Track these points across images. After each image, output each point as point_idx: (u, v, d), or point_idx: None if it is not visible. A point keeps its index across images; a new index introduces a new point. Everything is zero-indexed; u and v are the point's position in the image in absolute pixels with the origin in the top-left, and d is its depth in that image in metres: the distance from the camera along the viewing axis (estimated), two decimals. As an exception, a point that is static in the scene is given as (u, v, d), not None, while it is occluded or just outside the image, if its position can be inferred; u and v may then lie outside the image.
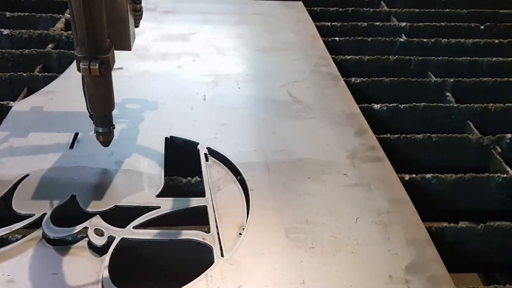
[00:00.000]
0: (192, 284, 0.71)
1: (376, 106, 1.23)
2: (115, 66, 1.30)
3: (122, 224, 0.81)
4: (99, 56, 0.80)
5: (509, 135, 1.14)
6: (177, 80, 1.27)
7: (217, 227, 0.81)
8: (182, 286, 0.70)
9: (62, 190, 0.87)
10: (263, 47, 1.48)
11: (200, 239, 0.79)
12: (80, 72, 0.81)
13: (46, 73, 1.29)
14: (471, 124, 1.23)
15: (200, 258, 0.78)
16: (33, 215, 0.81)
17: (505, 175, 1.01)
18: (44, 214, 0.81)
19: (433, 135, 1.13)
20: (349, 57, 1.48)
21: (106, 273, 0.72)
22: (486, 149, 1.14)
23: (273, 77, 1.31)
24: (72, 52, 1.40)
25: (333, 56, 1.46)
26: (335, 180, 0.93)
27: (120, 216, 0.83)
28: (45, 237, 0.78)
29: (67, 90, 1.18)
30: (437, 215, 0.99)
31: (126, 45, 0.94)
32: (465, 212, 1.02)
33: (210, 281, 0.71)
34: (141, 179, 0.91)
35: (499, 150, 1.13)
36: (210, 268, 0.74)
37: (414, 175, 0.99)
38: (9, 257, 0.75)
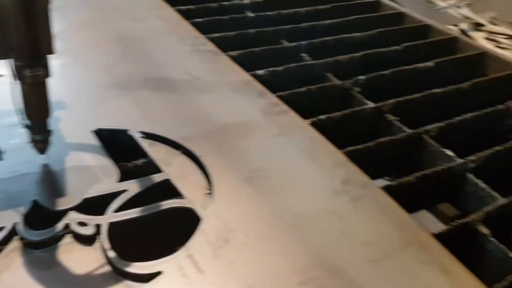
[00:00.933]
0: (192, 240, 0.80)
1: (260, 72, 1.42)
2: None
3: (97, 214, 0.84)
4: (41, 61, 0.80)
5: (362, 77, 1.44)
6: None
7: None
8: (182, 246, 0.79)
9: (18, 199, 0.85)
10: (137, 35, 1.53)
11: (180, 205, 0.87)
12: (25, 81, 0.80)
13: None
14: (330, 75, 1.51)
15: (186, 221, 0.87)
16: (4, 227, 0.79)
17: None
18: (15, 223, 0.80)
19: (311, 87, 1.36)
20: (216, 34, 1.63)
21: (111, 254, 0.77)
22: (349, 91, 1.42)
23: (164, 60, 1.39)
24: None
25: (204, 35, 1.59)
26: (262, 134, 1.09)
27: (91, 207, 0.86)
28: (27, 243, 0.78)
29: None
30: (340, 143, 1.22)
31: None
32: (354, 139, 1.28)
33: (207, 232, 0.82)
34: (93, 171, 0.94)
35: (359, 89, 1.42)
36: (200, 225, 0.83)
37: (313, 119, 1.20)
38: (1, 270, 0.73)
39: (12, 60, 0.83)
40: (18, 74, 0.80)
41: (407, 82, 1.48)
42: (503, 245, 0.86)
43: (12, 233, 0.78)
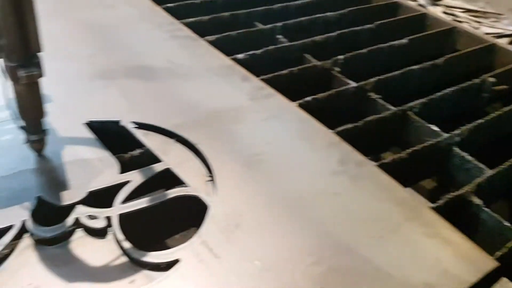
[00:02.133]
0: (203, 227, 0.82)
1: (240, 56, 1.43)
2: None
3: (103, 206, 0.85)
4: (34, 60, 0.78)
5: (341, 57, 1.47)
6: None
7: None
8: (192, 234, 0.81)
9: (21, 196, 0.84)
10: (111, 23, 1.49)
11: (186, 193, 0.89)
12: (19, 82, 0.78)
13: None
14: (308, 56, 1.54)
15: (192, 209, 0.88)
16: (13, 225, 0.78)
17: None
18: (24, 220, 0.79)
19: (293, 69, 1.39)
20: (191, 19, 1.62)
21: (127, 245, 0.78)
22: (329, 71, 1.45)
23: (143, 48, 1.37)
24: None
25: (179, 20, 1.58)
26: (253, 118, 1.11)
27: (97, 200, 0.86)
28: (39, 240, 0.77)
29: None
30: (326, 124, 1.25)
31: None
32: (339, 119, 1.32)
33: (217, 218, 0.84)
34: (93, 164, 0.93)
35: (338, 69, 1.46)
36: (209, 211, 0.85)
37: (300, 101, 1.23)
38: (17, 269, 0.72)
39: (2, 61, 0.81)
40: (12, 75, 0.78)
41: (383, 59, 1.53)
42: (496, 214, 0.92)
43: (22, 230, 0.77)
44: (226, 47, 1.51)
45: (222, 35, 1.54)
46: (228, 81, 1.26)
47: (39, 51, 0.79)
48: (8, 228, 0.77)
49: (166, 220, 0.89)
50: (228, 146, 1.02)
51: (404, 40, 1.55)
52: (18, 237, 0.77)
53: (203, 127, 1.07)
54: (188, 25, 1.58)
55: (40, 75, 0.80)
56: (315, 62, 1.49)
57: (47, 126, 0.91)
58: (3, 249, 0.75)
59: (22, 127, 0.88)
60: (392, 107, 1.23)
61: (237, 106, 1.15)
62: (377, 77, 1.35)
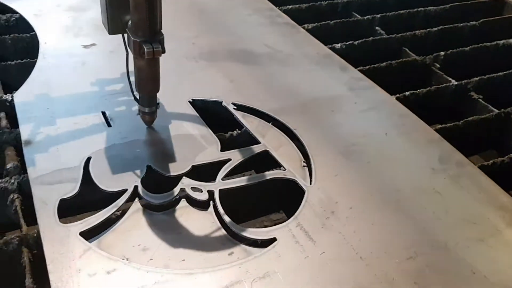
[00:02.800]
0: (300, 211, 0.84)
1: (337, 46, 1.42)
2: (88, 43, 1.30)
3: (206, 180, 0.89)
4: (158, 37, 0.83)
5: (442, 53, 1.42)
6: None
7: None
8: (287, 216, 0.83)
9: (133, 164, 0.90)
10: (213, 8, 1.54)
11: (283, 176, 0.91)
12: (141, 56, 0.84)
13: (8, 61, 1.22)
14: (406, 50, 1.50)
15: (288, 192, 0.91)
16: (126, 190, 0.84)
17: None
18: (136, 186, 0.85)
19: (392, 62, 1.36)
20: (290, 7, 1.63)
21: (227, 219, 0.81)
22: (428, 67, 1.41)
23: (243, 33, 1.41)
24: (27, 35, 1.33)
25: (278, 7, 1.60)
26: (352, 108, 1.11)
27: (199, 173, 0.91)
28: (148, 205, 0.83)
29: (54, 74, 1.14)
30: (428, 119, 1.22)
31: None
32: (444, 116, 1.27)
33: (313, 204, 0.85)
34: (196, 140, 0.98)
35: (438, 66, 1.41)
36: (305, 196, 0.87)
37: (398, 95, 1.21)
38: (128, 230, 0.78)
39: (127, 36, 0.87)
40: (137, 49, 0.84)
41: (487, 59, 1.46)
42: None
43: (134, 195, 0.84)
44: (323, 36, 1.51)
45: (320, 23, 1.54)
46: (326, 70, 1.26)
47: (160, 31, 0.85)
48: (121, 192, 0.84)
49: (260, 200, 0.92)
50: (326, 134, 1.03)
51: (512, 40, 1.47)
52: (129, 200, 0.83)
53: (300, 113, 1.09)
54: (287, 12, 1.60)
55: (163, 51, 0.85)
56: (414, 56, 1.45)
57: (158, 100, 0.96)
58: (116, 211, 0.81)
59: (136, 99, 0.95)
60: (495, 109, 1.18)
61: (335, 95, 1.16)
62: (480, 77, 1.29)
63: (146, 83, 0.90)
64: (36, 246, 0.75)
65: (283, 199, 0.93)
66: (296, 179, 0.90)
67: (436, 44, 1.52)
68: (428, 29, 1.55)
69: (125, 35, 0.88)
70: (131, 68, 0.90)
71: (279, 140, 1.01)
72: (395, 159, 0.97)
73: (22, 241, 0.75)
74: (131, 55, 0.88)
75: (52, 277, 0.68)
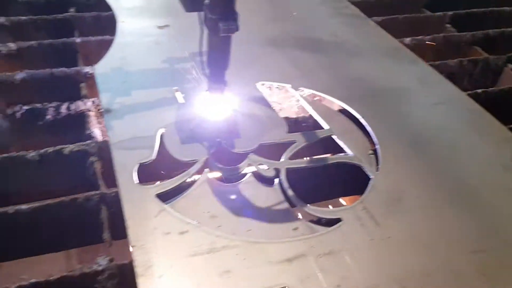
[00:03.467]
0: (366, 195, 0.84)
1: (407, 40, 1.40)
2: (161, 24, 1.34)
3: (271, 158, 0.91)
4: (233, 16, 0.86)
5: (515, 53, 1.37)
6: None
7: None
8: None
9: (203, 138, 0.93)
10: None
11: (349, 161, 0.91)
12: (218, 33, 0.86)
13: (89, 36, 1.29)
14: (478, 48, 1.46)
15: (352, 177, 0.91)
16: (197, 160, 0.88)
17: None
18: (206, 158, 0.88)
19: (463, 59, 1.33)
20: (359, -1, 1.62)
21: (293, 197, 0.83)
22: (500, 67, 1.37)
23: (310, 21, 1.41)
24: (106, 14, 1.39)
25: (346, -1, 1.59)
26: (422, 101, 1.10)
27: (265, 152, 0.92)
28: (217, 177, 0.86)
29: (130, 51, 1.20)
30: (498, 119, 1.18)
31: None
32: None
33: (379, 190, 0.85)
34: (263, 121, 1.00)
35: (511, 66, 1.36)
36: (371, 182, 0.87)
37: (469, 92, 1.18)
38: (198, 198, 0.82)
39: (203, 14, 0.89)
40: (212, 26, 0.86)
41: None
42: None
43: (204, 166, 0.87)
44: (391, 30, 1.50)
45: (389, 17, 1.52)
46: (395, 62, 1.25)
47: (234, 10, 0.87)
48: (193, 162, 0.87)
49: (324, 183, 0.93)
50: (394, 124, 1.02)
51: None
52: (200, 171, 0.86)
53: (368, 102, 1.08)
54: (355, 3, 1.59)
55: (236, 29, 0.87)
56: (486, 55, 1.41)
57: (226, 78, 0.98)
58: (188, 179, 0.84)
59: (207, 76, 0.97)
60: None
61: (404, 87, 1.15)
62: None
63: (217, 60, 0.92)
64: (113, 204, 0.79)
65: (346, 185, 0.93)
66: (361, 165, 0.91)
67: (509, 45, 1.48)
68: (502, 29, 1.50)
69: (201, 13, 0.91)
70: (204, 46, 0.93)
71: (345, 126, 1.02)
72: (464, 154, 0.95)
73: (101, 199, 0.80)
74: (205, 34, 0.91)
75: (130, 232, 0.72)
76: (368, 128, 1.00)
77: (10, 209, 0.77)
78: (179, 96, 1.04)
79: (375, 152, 0.94)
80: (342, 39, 1.34)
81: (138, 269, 0.67)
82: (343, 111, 1.06)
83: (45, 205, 0.78)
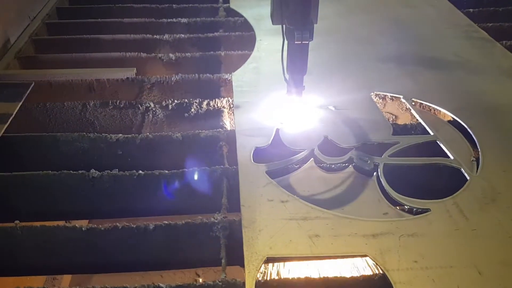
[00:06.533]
0: (459, 192, 0.89)
1: (536, 63, 1.37)
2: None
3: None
4: (308, 27, 0.98)
5: None
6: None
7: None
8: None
9: (312, 133, 1.07)
10: (410, 20, 1.64)
11: (448, 163, 0.97)
12: (293, 42, 0.99)
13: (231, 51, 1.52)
14: None
15: (448, 179, 0.96)
16: (304, 150, 1.01)
17: None
18: (313, 149, 1.01)
19: None
20: (490, 24, 1.63)
21: (386, 185, 0.92)
22: None
23: (435, 43, 1.47)
24: (248, 33, 1.62)
25: (476, 24, 1.61)
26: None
27: (367, 150, 1.02)
28: (320, 166, 0.98)
29: (263, 63, 1.39)
30: None
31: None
32: None
33: (474, 189, 0.89)
34: (369, 123, 1.10)
35: None
36: (468, 182, 0.91)
37: None
38: (301, 179, 0.95)
39: (285, 26, 1.03)
40: (288, 35, 1.00)
41: None
42: None
43: (310, 155, 1.00)
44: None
45: (519, 41, 1.50)
46: (516, 82, 1.25)
47: (314, 22, 0.99)
48: (301, 151, 1.01)
49: (420, 182, 0.99)
50: (502, 137, 1.04)
51: None
52: (306, 159, 1.00)
53: (480, 116, 1.11)
54: (486, 29, 1.60)
55: (310, 39, 0.99)
56: None
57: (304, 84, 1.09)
58: (295, 164, 0.98)
59: (287, 81, 1.10)
60: None
61: (523, 107, 1.15)
62: None
63: (297, 66, 1.05)
64: (232, 178, 0.97)
65: (441, 186, 0.98)
66: (461, 168, 0.95)
67: None
68: None
69: (284, 26, 1.05)
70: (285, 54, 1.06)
71: (451, 135, 1.07)
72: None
73: (224, 172, 0.98)
74: (286, 43, 1.04)
75: (242, 195, 0.88)
76: (475, 138, 1.04)
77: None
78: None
79: (477, 160, 0.98)
80: (465, 59, 1.37)
81: (244, 222, 0.83)
82: (452, 122, 1.11)
83: (181, 171, 0.99)
